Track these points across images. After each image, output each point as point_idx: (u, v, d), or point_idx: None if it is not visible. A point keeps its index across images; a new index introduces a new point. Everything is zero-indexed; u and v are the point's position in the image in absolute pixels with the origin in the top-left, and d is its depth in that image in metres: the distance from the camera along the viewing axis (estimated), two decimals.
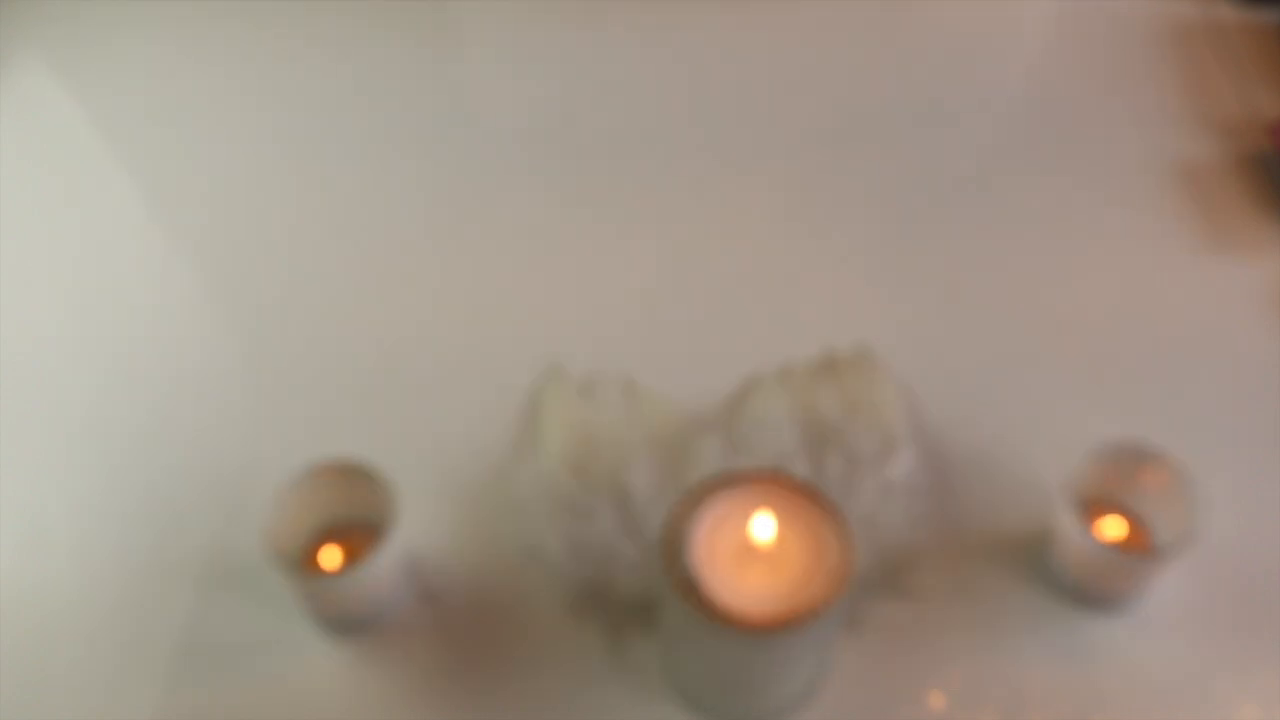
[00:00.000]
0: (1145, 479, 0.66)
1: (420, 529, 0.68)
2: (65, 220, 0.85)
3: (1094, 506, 0.67)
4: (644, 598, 0.65)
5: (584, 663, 0.64)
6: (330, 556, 0.66)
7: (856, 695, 0.63)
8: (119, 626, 0.66)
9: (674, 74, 0.94)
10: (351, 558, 0.66)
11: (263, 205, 0.86)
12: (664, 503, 0.66)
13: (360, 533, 0.66)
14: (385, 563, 0.63)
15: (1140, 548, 0.66)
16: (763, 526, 0.57)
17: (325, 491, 0.65)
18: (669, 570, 0.56)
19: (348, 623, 0.65)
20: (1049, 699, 0.63)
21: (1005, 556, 0.68)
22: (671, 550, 0.56)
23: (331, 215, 0.85)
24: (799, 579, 0.56)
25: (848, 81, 0.94)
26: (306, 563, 0.66)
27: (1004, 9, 1.00)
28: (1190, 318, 0.79)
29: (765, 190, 0.87)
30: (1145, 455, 0.65)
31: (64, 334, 0.78)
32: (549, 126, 0.91)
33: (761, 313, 0.80)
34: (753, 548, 0.57)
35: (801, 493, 0.58)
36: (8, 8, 0.97)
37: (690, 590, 0.55)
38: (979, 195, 0.87)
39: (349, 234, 0.84)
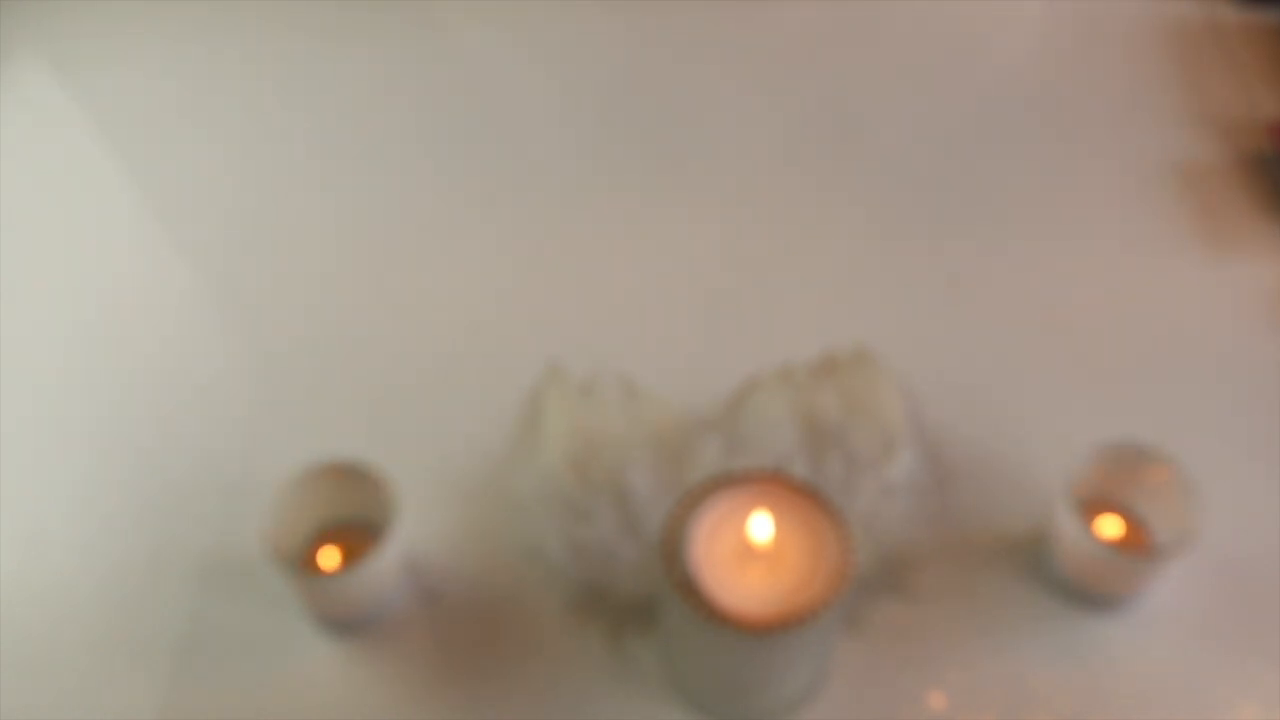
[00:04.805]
0: (1145, 479, 0.66)
1: (420, 529, 0.68)
2: (66, 220, 0.85)
3: (1093, 506, 0.67)
4: (644, 598, 0.65)
5: (584, 663, 0.64)
6: (330, 556, 0.66)
7: (856, 695, 0.63)
8: (120, 626, 0.66)
9: (674, 75, 0.95)
10: (351, 558, 0.66)
11: (262, 205, 0.86)
12: (664, 503, 0.66)
13: (360, 533, 0.66)
14: (385, 562, 0.63)
15: (1139, 547, 0.66)
16: (762, 526, 0.57)
17: (325, 491, 0.65)
18: (669, 570, 0.56)
19: (347, 622, 0.65)
20: (1049, 699, 0.63)
21: (1005, 556, 0.68)
22: (671, 550, 0.56)
23: (331, 215, 0.85)
24: (799, 579, 0.56)
25: (848, 82, 0.94)
26: (306, 562, 0.66)
27: (1004, 9, 1.00)
28: (1190, 318, 0.79)
29: (765, 191, 0.87)
30: (1145, 455, 0.65)
31: (64, 334, 0.78)
32: (549, 126, 0.91)
33: (761, 313, 0.80)
34: (752, 548, 0.57)
35: (801, 493, 0.58)
36: (8, 7, 0.97)
37: (690, 590, 0.55)
38: (978, 195, 0.87)
39: (348, 233, 0.84)
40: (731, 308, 0.80)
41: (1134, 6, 0.99)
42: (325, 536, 0.67)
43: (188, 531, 0.69)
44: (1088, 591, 0.66)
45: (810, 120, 0.92)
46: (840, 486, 0.69)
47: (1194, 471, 0.64)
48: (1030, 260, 0.83)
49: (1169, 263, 0.82)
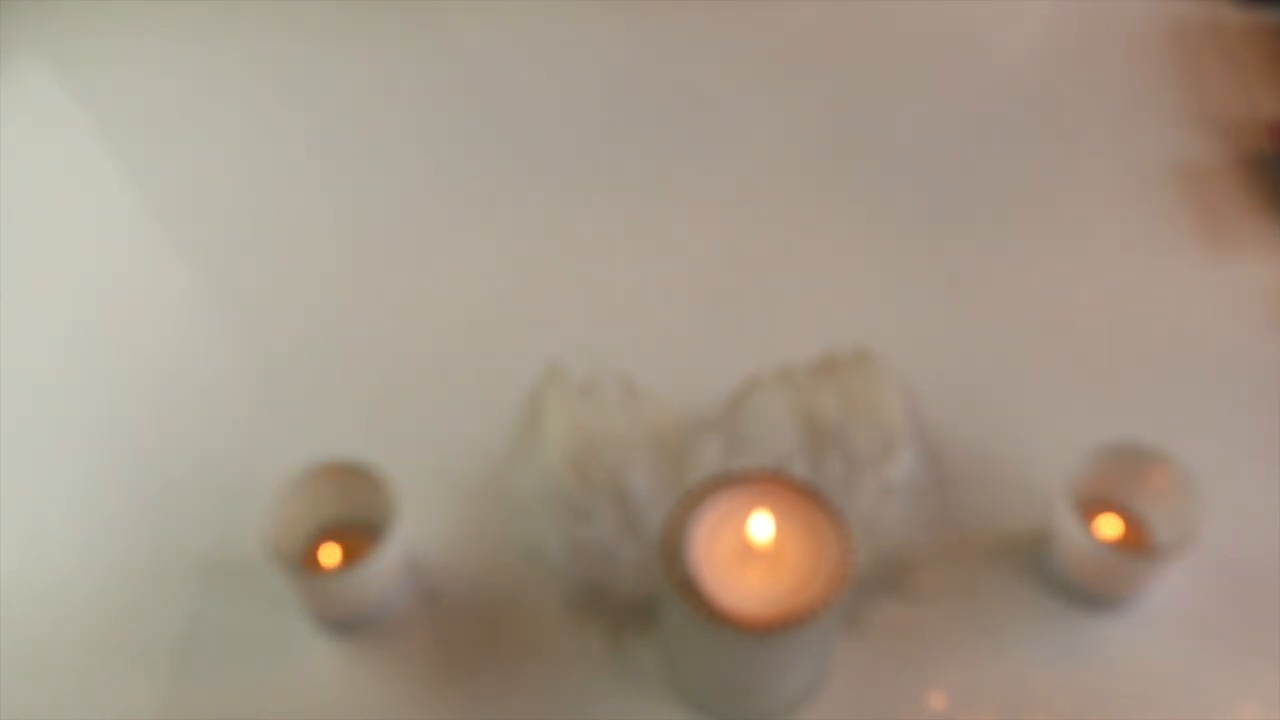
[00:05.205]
0: (1145, 479, 0.66)
1: (420, 529, 0.68)
2: (66, 220, 0.85)
3: (1093, 506, 0.67)
4: (644, 598, 0.65)
5: (584, 663, 0.64)
6: (330, 556, 0.66)
7: (856, 695, 0.63)
8: (120, 626, 0.66)
9: (674, 75, 0.95)
10: (351, 558, 0.66)
11: (262, 205, 0.86)
12: (664, 503, 0.66)
13: (360, 533, 0.66)
14: (385, 562, 0.63)
15: (1139, 547, 0.66)
16: (761, 526, 0.57)
17: (325, 491, 0.65)
18: (669, 570, 0.56)
19: (348, 622, 0.65)
20: (1049, 699, 0.63)
21: (1005, 556, 0.68)
22: (671, 550, 0.56)
23: (331, 215, 0.85)
24: (799, 579, 0.56)
25: (848, 82, 0.94)
26: (306, 562, 0.66)
27: (1003, 8, 1.00)
28: (1189, 317, 0.79)
29: (765, 191, 0.87)
30: (1145, 455, 0.65)
31: (64, 334, 0.78)
32: (549, 126, 0.91)
33: (761, 313, 0.80)
34: (752, 548, 0.57)
35: (801, 493, 0.58)
36: (8, 7, 0.97)
37: (690, 590, 0.55)
38: (978, 195, 0.87)
39: (348, 233, 0.84)
40: (731, 308, 0.80)
41: (1134, 7, 0.99)
42: (325, 536, 0.67)
43: (188, 531, 0.69)
44: (1088, 591, 0.66)
45: (810, 120, 0.92)
46: (840, 486, 0.69)
47: (1194, 471, 0.64)
48: (1030, 260, 0.83)
49: (1169, 263, 0.82)
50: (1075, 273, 0.82)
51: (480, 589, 0.67)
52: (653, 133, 0.91)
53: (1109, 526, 0.67)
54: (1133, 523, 0.67)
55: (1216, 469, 0.65)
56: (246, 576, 0.66)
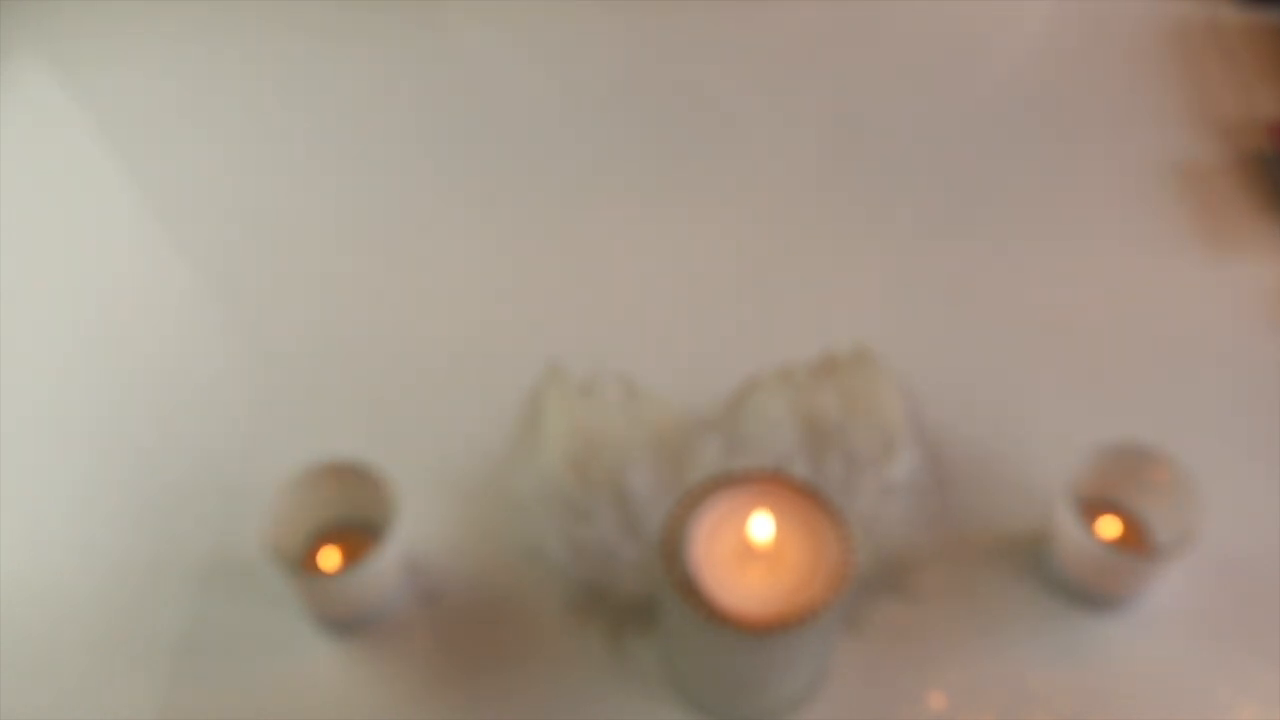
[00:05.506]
0: (1145, 479, 0.66)
1: (420, 529, 0.68)
2: (66, 220, 0.85)
3: (1093, 506, 0.67)
4: (644, 598, 0.65)
5: (584, 663, 0.64)
6: (330, 556, 0.66)
7: (856, 695, 0.63)
8: (120, 626, 0.66)
9: (674, 75, 0.95)
10: (351, 558, 0.66)
11: (262, 205, 0.86)
12: (664, 503, 0.66)
13: (360, 533, 0.66)
14: (385, 562, 0.63)
15: (1139, 547, 0.66)
16: (762, 526, 0.57)
17: (325, 491, 0.65)
18: (669, 570, 0.56)
19: (347, 622, 0.65)
20: (1049, 699, 0.63)
21: (1005, 556, 0.68)
22: (671, 550, 0.56)
23: (331, 214, 0.85)
24: (799, 579, 0.56)
25: (848, 82, 0.94)
26: (306, 562, 0.66)
27: (1003, 8, 1.00)
28: (1189, 317, 0.79)
29: (765, 191, 0.87)
30: (1145, 455, 0.65)
31: (64, 334, 0.78)
32: (549, 126, 0.91)
33: (761, 313, 0.80)
34: (752, 548, 0.57)
35: (801, 493, 0.58)
36: (8, 7, 0.97)
37: (690, 590, 0.55)
38: (979, 195, 0.87)
39: (348, 233, 0.84)
40: (731, 308, 0.80)
41: (1135, 7, 0.99)
42: (325, 536, 0.67)
43: (188, 532, 0.69)
44: (1088, 591, 0.66)
45: (810, 120, 0.92)
46: (840, 486, 0.69)
47: (1194, 471, 0.64)
48: (1030, 260, 0.83)
49: (1169, 263, 0.82)
50: (1075, 273, 0.82)
51: (480, 589, 0.67)
52: (653, 133, 0.91)
53: (1109, 526, 0.67)
54: (1133, 523, 0.67)
55: (1216, 469, 0.65)
56: (246, 576, 0.67)
